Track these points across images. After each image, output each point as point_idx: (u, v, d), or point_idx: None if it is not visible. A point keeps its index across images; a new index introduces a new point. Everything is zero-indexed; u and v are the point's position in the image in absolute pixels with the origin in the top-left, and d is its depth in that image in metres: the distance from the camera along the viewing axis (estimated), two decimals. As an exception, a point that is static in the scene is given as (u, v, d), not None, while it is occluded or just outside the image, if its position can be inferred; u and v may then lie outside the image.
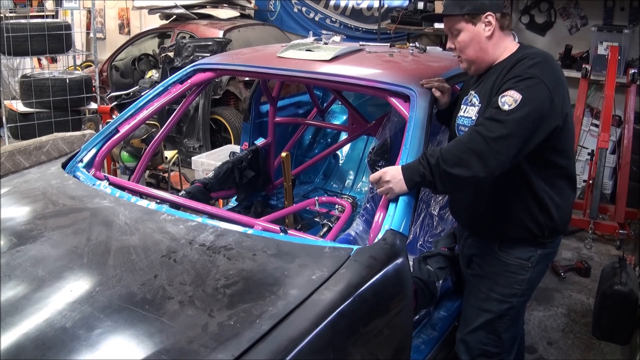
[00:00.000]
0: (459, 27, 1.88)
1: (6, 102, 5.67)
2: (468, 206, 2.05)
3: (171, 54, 5.68)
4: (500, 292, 2.00)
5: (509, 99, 1.71)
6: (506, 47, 1.90)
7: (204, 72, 2.63)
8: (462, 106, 2.02)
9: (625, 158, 4.22)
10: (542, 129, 1.75)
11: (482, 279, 2.06)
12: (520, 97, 1.71)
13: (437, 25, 5.65)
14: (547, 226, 1.93)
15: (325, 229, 2.64)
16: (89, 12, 7.08)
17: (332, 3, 7.24)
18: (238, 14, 6.96)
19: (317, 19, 7.37)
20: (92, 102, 5.76)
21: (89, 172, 2.31)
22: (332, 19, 7.24)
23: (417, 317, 2.33)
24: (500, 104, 1.72)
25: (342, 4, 7.15)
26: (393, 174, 1.80)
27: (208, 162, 4.43)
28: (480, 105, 1.90)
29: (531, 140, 1.74)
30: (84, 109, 5.71)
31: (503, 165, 1.73)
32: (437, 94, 2.12)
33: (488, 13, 1.85)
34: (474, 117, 1.91)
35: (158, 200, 2.26)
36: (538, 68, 1.76)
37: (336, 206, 3.09)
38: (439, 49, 3.02)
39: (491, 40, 1.88)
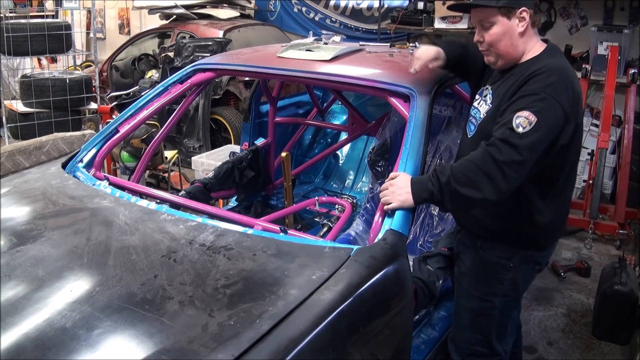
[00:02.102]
0: (493, 20, 1.82)
1: (6, 102, 5.67)
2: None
3: (171, 54, 5.67)
4: (480, 289, 2.00)
5: (524, 121, 1.68)
6: (533, 46, 1.86)
7: (204, 72, 2.63)
8: (477, 96, 2.00)
9: (625, 158, 4.21)
10: (553, 148, 1.75)
11: (465, 276, 2.06)
12: (535, 119, 1.67)
13: (437, 25, 5.65)
14: (532, 239, 1.93)
15: (325, 229, 2.64)
16: (89, 12, 7.08)
17: (332, 3, 7.24)
18: (238, 14, 6.96)
19: (317, 19, 7.36)
20: (92, 102, 5.76)
21: (89, 172, 2.31)
22: (332, 19, 7.24)
23: (417, 317, 2.33)
24: (514, 125, 1.69)
25: (342, 4, 7.15)
26: (401, 185, 1.79)
27: (208, 162, 4.43)
28: (491, 105, 1.88)
29: (540, 161, 1.75)
30: (84, 109, 5.71)
31: (513, 188, 1.72)
32: (433, 65, 2.09)
33: (523, 8, 1.80)
34: (482, 114, 1.90)
35: (158, 200, 2.26)
36: (555, 87, 1.72)
37: (336, 206, 3.09)
38: (439, 48, 3.02)
39: (523, 37, 1.83)
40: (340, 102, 3.40)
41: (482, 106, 1.93)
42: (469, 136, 1.97)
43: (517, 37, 1.83)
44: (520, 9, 1.80)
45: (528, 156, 1.69)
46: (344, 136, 3.76)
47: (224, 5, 6.95)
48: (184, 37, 6.09)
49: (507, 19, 1.81)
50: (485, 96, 1.93)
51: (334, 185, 4.07)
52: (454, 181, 1.71)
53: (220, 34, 6.05)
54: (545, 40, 1.92)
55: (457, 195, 1.72)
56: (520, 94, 1.75)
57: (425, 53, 2.08)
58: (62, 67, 7.66)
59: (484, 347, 2.05)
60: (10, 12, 6.64)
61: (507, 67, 1.89)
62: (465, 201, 1.74)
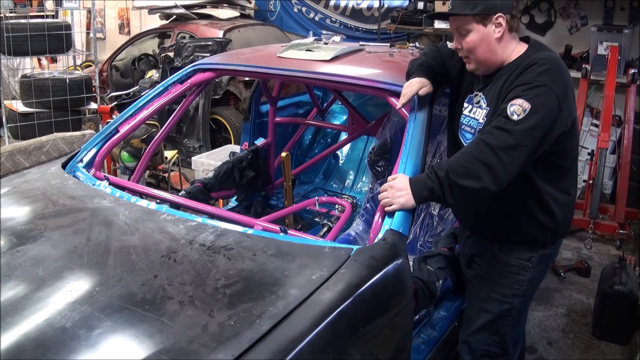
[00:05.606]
0: (469, 27, 1.83)
1: (6, 102, 5.67)
2: (471, 207, 2.04)
3: (171, 54, 5.67)
4: (500, 292, 2.00)
5: (518, 108, 1.69)
6: (514, 48, 1.87)
7: (204, 72, 2.63)
8: (465, 104, 1.99)
9: (625, 158, 4.22)
10: (549, 136, 1.74)
11: (483, 279, 2.06)
12: (529, 106, 1.68)
13: (438, 25, 5.65)
14: (549, 230, 1.93)
15: (325, 229, 2.64)
16: (89, 12, 7.08)
17: (332, 3, 7.24)
18: (238, 14, 6.96)
19: (317, 19, 7.36)
20: (92, 102, 5.76)
21: (89, 172, 2.30)
22: (332, 19, 7.24)
23: (417, 317, 2.33)
24: (509, 113, 1.70)
25: (342, 4, 7.15)
26: (400, 187, 1.78)
27: (208, 162, 4.43)
28: (487, 108, 1.88)
29: (539, 148, 1.74)
30: (84, 109, 5.71)
31: (511, 175, 1.72)
32: (424, 91, 2.02)
33: (499, 14, 1.80)
34: (481, 120, 1.89)
35: (158, 200, 2.26)
36: (547, 75, 1.73)
37: (336, 206, 3.09)
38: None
39: (500, 42, 1.84)
40: (340, 102, 3.40)
41: (476, 113, 1.93)
42: (465, 144, 1.94)
43: (494, 43, 1.83)
44: (496, 15, 1.81)
45: (523, 141, 1.69)
46: (344, 136, 3.76)
47: (224, 5, 6.95)
48: (184, 37, 6.09)
49: (482, 25, 1.82)
50: (478, 102, 1.92)
51: (334, 185, 4.07)
52: (452, 174, 1.71)
53: (220, 34, 6.05)
54: (526, 40, 1.92)
55: (458, 187, 1.71)
56: (514, 85, 1.76)
57: (409, 87, 2.01)
58: (62, 67, 7.66)
59: (498, 347, 2.06)
60: (10, 12, 6.65)
61: (490, 72, 1.90)
62: (466, 193, 1.73)
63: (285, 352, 1.30)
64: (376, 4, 6.68)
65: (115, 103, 5.54)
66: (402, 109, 2.09)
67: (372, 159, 3.14)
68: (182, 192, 2.93)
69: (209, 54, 5.12)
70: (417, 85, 2.01)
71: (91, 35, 6.58)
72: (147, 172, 4.46)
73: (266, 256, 1.65)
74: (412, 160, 1.90)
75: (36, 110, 5.40)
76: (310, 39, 2.84)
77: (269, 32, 6.69)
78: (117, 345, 1.34)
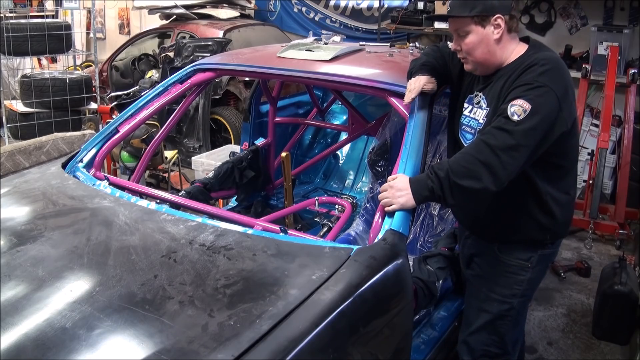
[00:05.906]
0: (467, 29, 1.83)
1: (6, 102, 5.67)
2: (470, 209, 2.04)
3: (171, 54, 5.68)
4: (500, 292, 2.00)
5: (518, 109, 1.69)
6: (513, 49, 1.87)
7: (204, 72, 2.63)
8: (465, 104, 1.98)
9: (625, 158, 4.22)
10: (549, 137, 1.74)
11: (482, 279, 2.06)
12: (530, 107, 1.68)
13: (438, 25, 5.64)
14: (549, 230, 1.93)
15: (325, 229, 2.64)
16: (89, 12, 7.08)
17: (332, 3, 7.24)
18: (238, 14, 6.96)
19: (317, 19, 7.36)
20: (92, 102, 5.76)
21: (89, 172, 2.31)
22: (332, 19, 7.24)
23: (417, 317, 2.33)
24: (509, 113, 1.70)
25: (342, 4, 7.15)
26: (400, 187, 1.78)
27: (208, 162, 4.43)
28: (487, 109, 1.88)
29: (539, 149, 1.74)
30: (84, 109, 5.71)
31: (511, 176, 1.72)
32: (428, 87, 2.03)
33: (497, 15, 1.80)
34: (481, 121, 1.89)
35: (158, 200, 2.26)
36: (548, 76, 1.73)
37: (336, 206, 3.09)
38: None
39: (499, 43, 1.84)
40: (340, 102, 3.40)
41: (477, 113, 1.93)
42: (465, 145, 1.95)
43: (493, 44, 1.83)
44: (495, 16, 1.80)
45: (523, 141, 1.69)
46: (344, 136, 3.76)
47: (224, 5, 6.95)
48: (184, 37, 6.09)
49: (481, 27, 1.82)
50: (478, 102, 1.92)
51: (334, 185, 4.08)
52: (452, 174, 1.71)
53: (220, 34, 6.05)
54: (526, 40, 1.92)
55: (458, 187, 1.71)
56: (514, 86, 1.76)
57: (417, 82, 2.01)
58: (62, 67, 7.66)
59: (498, 347, 2.06)
60: (10, 12, 6.64)
61: (489, 73, 1.90)
62: (466, 193, 1.73)
63: (285, 352, 1.30)
64: (376, 4, 6.68)
65: (115, 103, 5.54)
66: (402, 108, 2.10)
67: (372, 159, 3.14)
68: (182, 192, 2.93)
69: (209, 54, 5.13)
70: (424, 79, 2.01)
71: (91, 35, 6.58)
72: (147, 172, 4.46)
73: (266, 256, 1.65)
74: (412, 160, 1.90)
75: (36, 110, 5.39)
76: (310, 39, 2.84)
77: (269, 32, 6.69)
78: (117, 345, 1.34)
